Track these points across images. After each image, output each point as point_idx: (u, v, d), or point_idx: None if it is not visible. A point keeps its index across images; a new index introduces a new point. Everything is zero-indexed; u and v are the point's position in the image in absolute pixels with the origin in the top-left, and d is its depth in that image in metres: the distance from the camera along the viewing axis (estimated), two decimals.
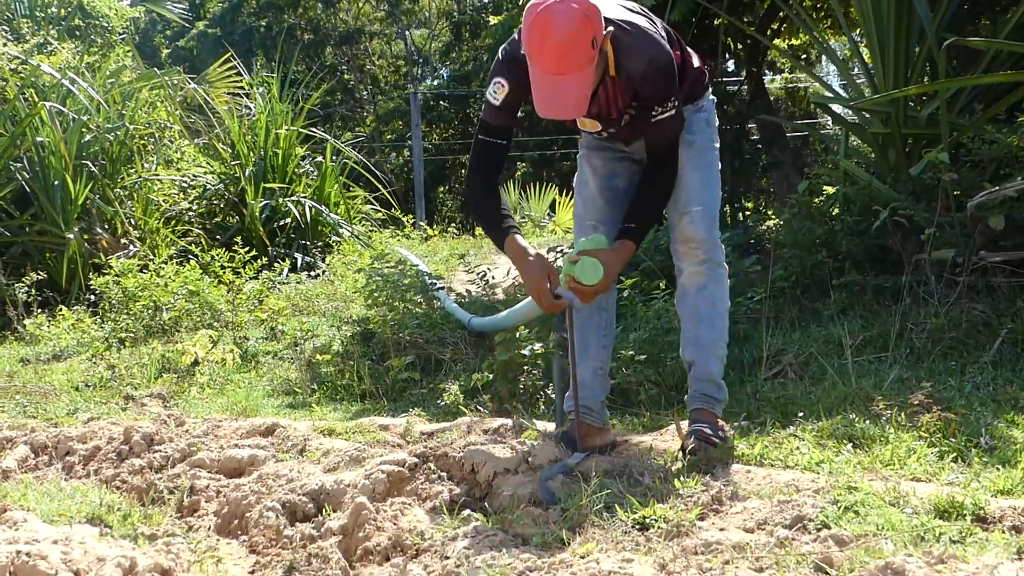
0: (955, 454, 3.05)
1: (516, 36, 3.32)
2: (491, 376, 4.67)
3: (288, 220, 11.90)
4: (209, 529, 3.13)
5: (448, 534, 2.50)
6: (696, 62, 3.60)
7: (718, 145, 3.69)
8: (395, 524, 2.61)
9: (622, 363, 4.51)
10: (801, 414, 3.71)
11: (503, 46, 3.41)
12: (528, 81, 3.19)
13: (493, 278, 7.32)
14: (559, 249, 7.14)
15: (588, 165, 3.75)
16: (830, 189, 6.63)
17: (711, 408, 3.52)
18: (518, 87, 3.31)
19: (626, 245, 3.41)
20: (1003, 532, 2.31)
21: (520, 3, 8.91)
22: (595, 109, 3.43)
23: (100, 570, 2.19)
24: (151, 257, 9.28)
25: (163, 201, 11.42)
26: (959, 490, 2.59)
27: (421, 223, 16.75)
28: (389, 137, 31.31)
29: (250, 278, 8.62)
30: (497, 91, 3.35)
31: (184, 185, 11.97)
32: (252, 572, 2.71)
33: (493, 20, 11.91)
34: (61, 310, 8.34)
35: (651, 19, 3.42)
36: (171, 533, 2.93)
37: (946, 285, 4.88)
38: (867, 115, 6.14)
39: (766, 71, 11.78)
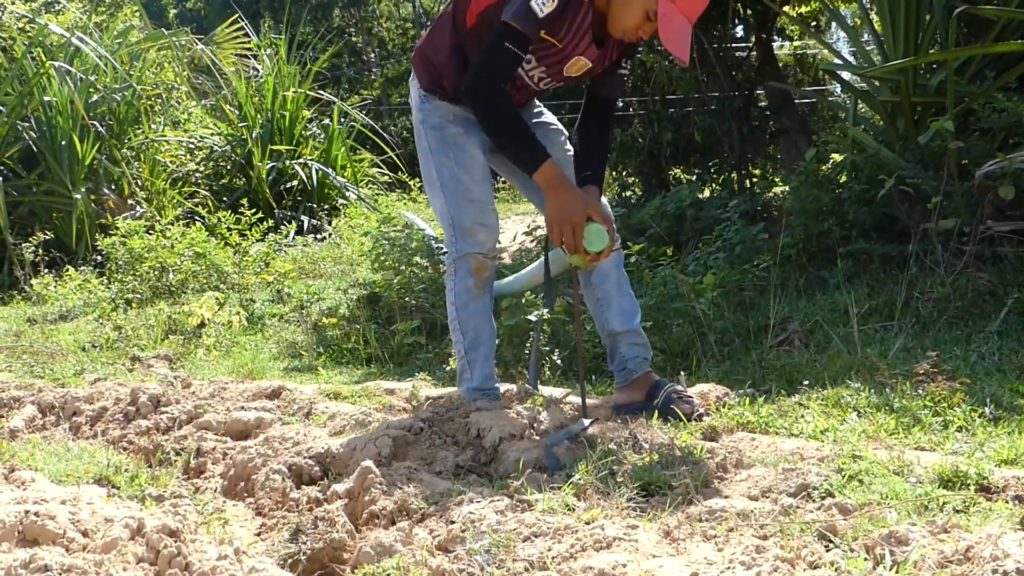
0: (959, 424, 3.05)
1: None
2: (497, 341, 4.68)
3: (295, 183, 11.90)
4: (215, 491, 3.15)
5: (453, 499, 2.51)
6: None
7: None
8: (401, 488, 2.62)
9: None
10: (806, 382, 3.72)
11: None
12: (572, 14, 3.24)
13: (499, 243, 7.30)
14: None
15: (470, 141, 3.59)
16: (838, 157, 6.61)
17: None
18: (565, 11, 3.22)
19: (595, 190, 3.46)
20: (1007, 502, 2.31)
21: None
22: (599, 56, 3.44)
23: (108, 530, 2.20)
24: (158, 218, 9.29)
25: (170, 162, 11.42)
26: (963, 459, 2.59)
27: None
28: (397, 100, 31.17)
29: (256, 240, 8.64)
30: (546, 3, 3.15)
31: (191, 146, 11.96)
32: (258, 534, 2.72)
33: None
34: (68, 270, 8.36)
35: None
36: (178, 495, 2.94)
37: (953, 254, 4.87)
38: (876, 83, 6.10)
39: (775, 37, 11.69)
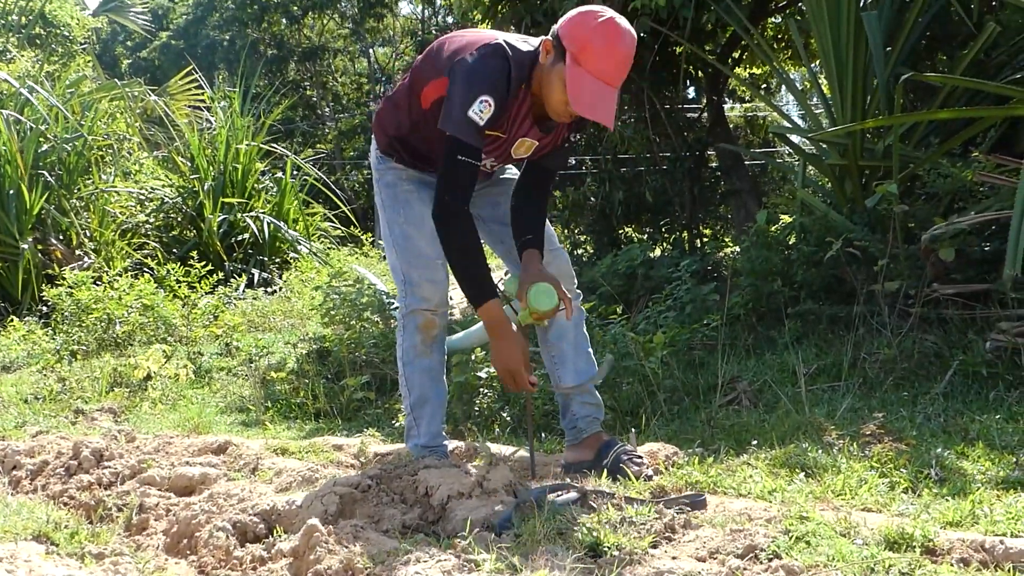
0: (906, 485, 3.07)
1: (506, 50, 3.25)
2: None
3: (246, 235, 11.84)
4: (158, 548, 3.09)
5: (400, 558, 2.48)
6: None
7: None
8: (347, 547, 2.58)
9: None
10: (755, 442, 3.74)
11: (473, 59, 3.23)
12: (511, 105, 3.27)
13: (451, 299, 7.31)
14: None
15: (420, 199, 3.59)
16: (787, 218, 6.69)
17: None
18: (500, 106, 3.22)
19: (537, 254, 3.48)
20: (951, 565, 2.32)
21: (475, 22, 8.91)
22: (546, 137, 3.48)
23: None
24: (106, 269, 9.19)
25: (120, 213, 11.33)
26: (909, 521, 2.61)
27: (380, 242, 16.68)
28: (350, 154, 31.25)
29: (206, 293, 8.57)
30: (484, 109, 3.16)
31: (142, 198, 11.88)
32: None
33: None
34: (12, 321, 8.24)
35: None
36: (119, 552, 2.89)
37: (899, 316, 4.93)
38: (824, 146, 6.20)
39: (726, 99, 11.87)
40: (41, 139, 10.49)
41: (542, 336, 3.71)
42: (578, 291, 3.75)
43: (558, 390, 3.72)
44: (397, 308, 3.66)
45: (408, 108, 3.52)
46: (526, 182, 3.61)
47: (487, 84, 3.18)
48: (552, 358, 3.70)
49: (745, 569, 2.28)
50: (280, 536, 2.91)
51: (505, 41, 3.27)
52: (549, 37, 3.24)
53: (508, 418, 4.62)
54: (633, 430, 3.95)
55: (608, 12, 3.16)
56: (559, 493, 2.96)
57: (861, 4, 5.72)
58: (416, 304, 3.55)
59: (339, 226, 14.81)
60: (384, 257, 13.42)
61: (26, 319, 8.31)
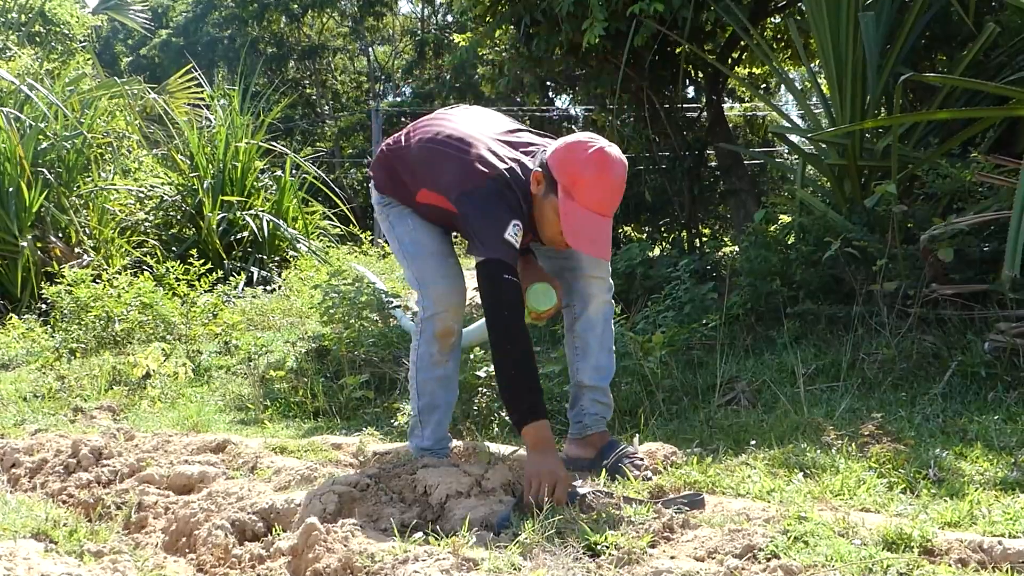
0: (904, 485, 3.08)
1: (514, 173, 3.27)
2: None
3: (245, 234, 11.83)
4: (156, 547, 3.10)
5: (399, 557, 2.48)
6: None
7: None
8: (345, 546, 2.59)
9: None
10: (753, 442, 3.74)
11: (488, 193, 3.25)
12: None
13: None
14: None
15: (424, 224, 3.64)
16: (786, 218, 6.69)
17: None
18: (526, 227, 3.26)
19: (532, 257, 3.56)
20: (950, 565, 2.33)
21: (467, 22, 8.90)
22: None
23: None
24: (105, 267, 9.17)
25: (119, 211, 11.32)
26: (907, 522, 2.61)
27: (379, 240, 16.70)
28: (349, 152, 31.26)
29: (205, 291, 8.56)
30: (517, 233, 3.19)
31: (141, 195, 11.87)
32: None
33: (459, 39, 11.93)
34: (11, 318, 8.23)
35: None
36: (118, 550, 2.89)
37: (898, 316, 4.93)
38: (824, 146, 6.20)
39: (726, 99, 11.87)
40: (41, 137, 10.48)
41: (569, 323, 3.69)
42: (611, 282, 3.72)
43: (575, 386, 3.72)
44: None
45: (406, 184, 3.59)
46: None
47: (512, 211, 3.22)
48: (575, 348, 3.68)
49: (743, 569, 2.29)
50: (279, 535, 2.91)
51: (505, 169, 3.29)
52: (538, 168, 3.25)
53: (507, 417, 4.61)
54: (637, 434, 3.95)
55: (597, 141, 3.19)
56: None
57: (860, 4, 5.71)
58: (432, 307, 3.56)
59: (338, 224, 14.80)
60: (383, 255, 13.44)
61: (25, 317, 8.31)
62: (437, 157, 3.40)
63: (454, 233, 3.74)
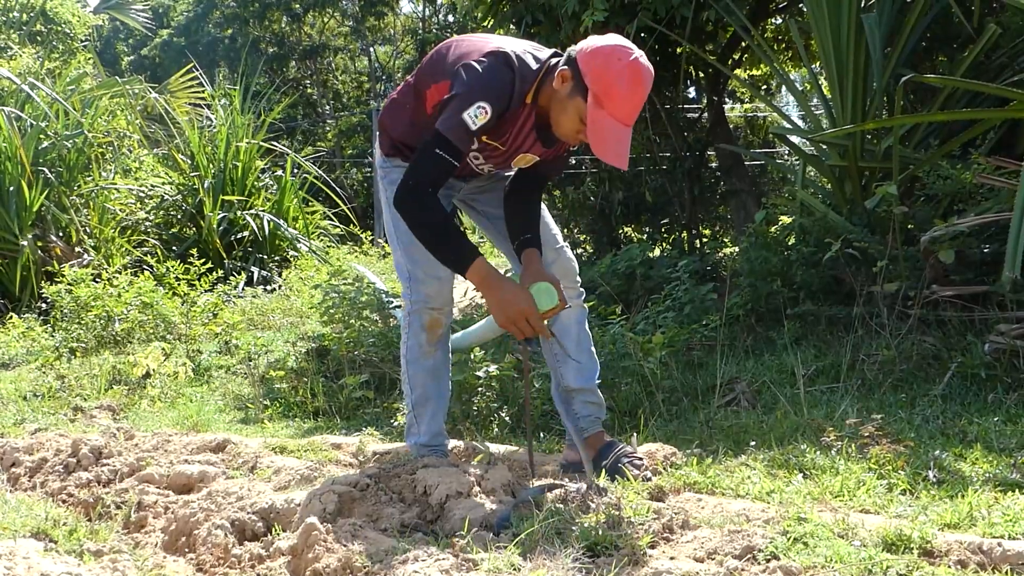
0: (904, 486, 3.07)
1: (513, 61, 3.22)
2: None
3: (246, 233, 11.84)
4: (156, 546, 3.10)
5: (398, 557, 2.48)
6: None
7: None
8: (345, 546, 2.59)
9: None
10: (753, 443, 3.74)
11: (480, 66, 3.19)
12: (514, 119, 3.25)
13: (452, 298, 7.29)
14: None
15: None
16: (786, 219, 6.69)
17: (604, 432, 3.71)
18: (496, 117, 3.18)
19: (536, 253, 3.48)
20: (949, 567, 2.33)
21: (479, 22, 8.90)
22: (548, 151, 3.47)
23: None
24: (105, 266, 9.18)
25: (119, 210, 11.33)
26: (907, 523, 2.61)
27: (379, 240, 16.71)
28: (350, 152, 31.26)
29: (205, 291, 8.56)
30: (479, 115, 3.13)
31: (141, 195, 11.88)
32: None
33: None
34: (11, 318, 8.24)
35: None
36: (117, 550, 2.89)
37: (898, 318, 4.93)
38: (824, 147, 6.20)
39: (727, 100, 11.87)
40: (41, 136, 10.49)
41: None
42: (581, 289, 3.74)
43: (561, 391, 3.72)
44: (398, 307, 3.65)
45: (412, 109, 3.51)
46: (519, 187, 3.60)
47: (488, 92, 3.16)
48: (555, 355, 3.69)
49: (743, 570, 2.29)
50: (278, 534, 2.91)
51: (513, 51, 3.24)
52: (565, 65, 3.18)
53: (507, 418, 4.62)
54: (636, 434, 3.95)
55: (633, 51, 3.12)
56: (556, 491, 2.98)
57: (862, 5, 5.72)
58: (420, 302, 3.56)
59: (339, 224, 14.82)
60: (384, 255, 13.44)
61: (25, 316, 8.32)
62: (447, 52, 3.38)
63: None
